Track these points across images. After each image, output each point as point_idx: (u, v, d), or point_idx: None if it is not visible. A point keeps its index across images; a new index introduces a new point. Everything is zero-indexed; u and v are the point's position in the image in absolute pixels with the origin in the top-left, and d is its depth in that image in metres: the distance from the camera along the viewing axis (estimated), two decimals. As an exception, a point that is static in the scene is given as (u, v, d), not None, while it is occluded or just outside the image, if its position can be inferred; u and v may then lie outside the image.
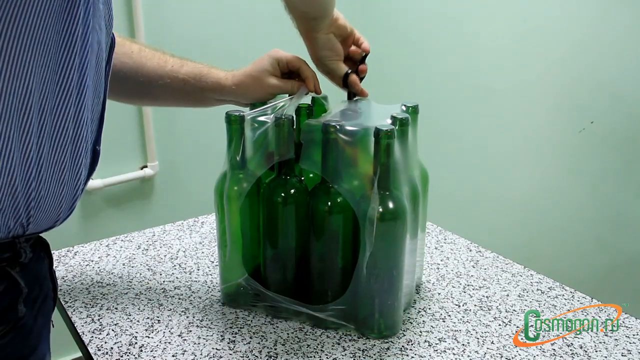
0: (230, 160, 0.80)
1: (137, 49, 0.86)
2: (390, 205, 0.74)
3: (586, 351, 0.79)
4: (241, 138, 0.79)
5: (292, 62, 0.84)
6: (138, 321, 0.83)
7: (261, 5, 1.85)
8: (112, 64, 0.70)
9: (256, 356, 0.76)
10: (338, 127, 0.73)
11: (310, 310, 0.80)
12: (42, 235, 0.67)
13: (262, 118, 0.79)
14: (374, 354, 0.77)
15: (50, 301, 0.69)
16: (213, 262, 1.00)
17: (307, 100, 0.88)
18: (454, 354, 0.78)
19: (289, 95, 0.84)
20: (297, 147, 0.79)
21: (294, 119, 0.78)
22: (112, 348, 0.77)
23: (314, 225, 0.78)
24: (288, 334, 0.81)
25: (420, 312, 0.87)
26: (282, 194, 0.79)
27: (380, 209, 0.73)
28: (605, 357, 0.78)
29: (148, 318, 0.84)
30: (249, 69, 0.84)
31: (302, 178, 0.81)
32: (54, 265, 0.98)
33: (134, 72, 0.84)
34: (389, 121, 0.77)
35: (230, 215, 0.81)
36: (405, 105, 0.84)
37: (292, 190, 0.79)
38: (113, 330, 0.81)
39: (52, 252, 0.71)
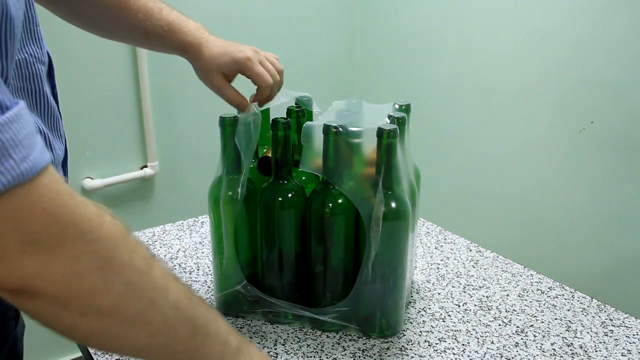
0: (225, 165, 0.79)
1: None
2: (395, 204, 0.74)
3: (586, 351, 0.79)
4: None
5: (239, 67, 0.79)
6: (138, 321, 0.83)
7: (260, 8, 1.85)
8: None
9: (256, 356, 0.76)
10: (340, 128, 0.73)
11: (312, 313, 0.80)
12: None
13: (257, 121, 0.78)
14: (374, 354, 0.77)
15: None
16: (213, 262, 1.00)
17: (292, 102, 0.87)
18: (454, 354, 0.78)
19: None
20: (293, 150, 0.78)
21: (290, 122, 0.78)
22: (112, 348, 0.77)
23: (315, 227, 0.78)
24: (288, 334, 0.81)
25: (420, 312, 0.87)
26: (283, 198, 0.78)
27: (385, 209, 0.73)
28: (605, 357, 0.78)
29: (148, 318, 0.84)
30: (211, 58, 0.79)
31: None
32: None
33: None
34: (388, 120, 0.77)
35: (226, 221, 0.80)
36: (397, 104, 0.84)
37: (292, 194, 0.78)
38: (113, 330, 0.81)
39: None
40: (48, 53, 0.66)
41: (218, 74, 0.79)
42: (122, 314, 0.46)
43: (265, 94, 0.80)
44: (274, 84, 0.80)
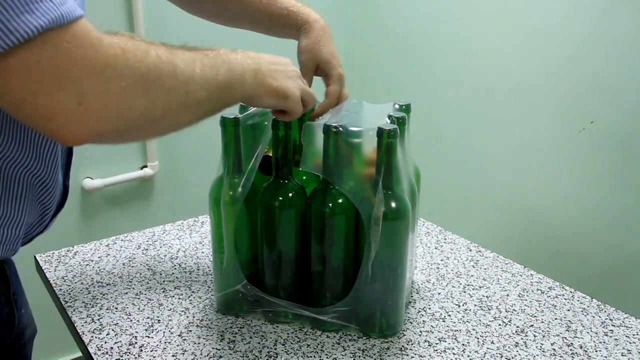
0: (225, 165, 0.79)
1: None
2: (395, 204, 0.74)
3: (586, 351, 0.79)
4: (237, 142, 0.78)
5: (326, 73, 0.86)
6: (138, 321, 0.83)
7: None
8: None
9: (256, 356, 0.76)
10: (340, 128, 0.73)
11: (312, 313, 0.80)
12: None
13: (257, 121, 0.78)
14: (374, 354, 0.77)
15: (6, 328, 0.70)
16: (213, 262, 1.00)
17: None
18: (454, 354, 0.78)
19: None
20: (294, 150, 0.78)
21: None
22: (112, 348, 0.77)
23: (315, 227, 0.78)
24: (288, 334, 0.81)
25: (420, 312, 0.87)
26: (283, 198, 0.78)
27: (385, 209, 0.73)
28: (605, 357, 0.78)
29: (148, 318, 0.84)
30: (325, 37, 0.86)
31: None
32: (55, 266, 0.98)
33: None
34: (388, 120, 0.77)
35: (227, 221, 0.80)
36: (398, 104, 0.84)
37: (293, 194, 0.78)
38: (113, 330, 0.81)
39: (10, 278, 0.72)
40: None
41: (318, 53, 0.86)
42: (172, 117, 0.57)
43: (327, 109, 0.86)
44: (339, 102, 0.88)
